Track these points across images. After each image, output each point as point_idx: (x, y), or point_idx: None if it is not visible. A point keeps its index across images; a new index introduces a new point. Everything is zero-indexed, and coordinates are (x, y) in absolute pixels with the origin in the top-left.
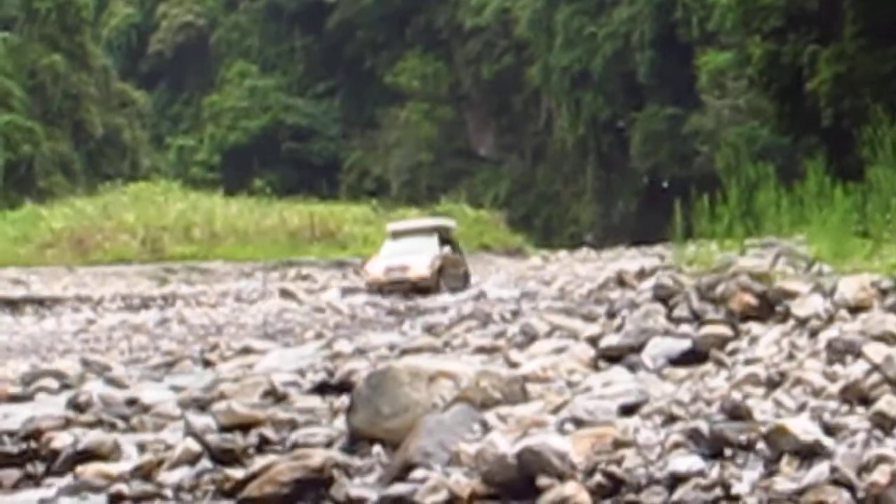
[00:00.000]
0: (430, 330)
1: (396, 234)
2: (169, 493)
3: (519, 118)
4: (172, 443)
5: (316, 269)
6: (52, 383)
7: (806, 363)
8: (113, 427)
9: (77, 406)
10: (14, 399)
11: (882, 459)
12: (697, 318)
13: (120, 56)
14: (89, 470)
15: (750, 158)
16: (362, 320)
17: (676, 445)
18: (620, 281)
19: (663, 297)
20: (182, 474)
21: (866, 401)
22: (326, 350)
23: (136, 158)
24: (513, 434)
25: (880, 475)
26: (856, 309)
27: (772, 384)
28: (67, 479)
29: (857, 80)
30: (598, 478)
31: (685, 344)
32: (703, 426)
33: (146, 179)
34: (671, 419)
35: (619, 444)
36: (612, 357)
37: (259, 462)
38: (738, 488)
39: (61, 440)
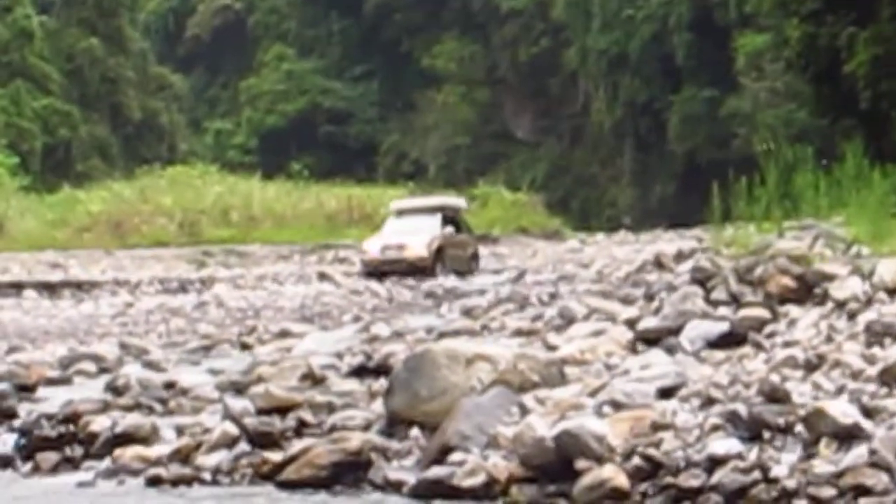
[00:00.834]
0: (467, 313)
1: (400, 213)
2: (207, 476)
3: (556, 101)
4: (210, 426)
5: (353, 253)
6: (91, 367)
7: (844, 346)
8: (151, 410)
9: (115, 389)
10: (52, 382)
11: None
12: (735, 301)
13: (157, 40)
14: (127, 453)
15: (787, 141)
16: (400, 303)
17: (715, 428)
18: (658, 263)
19: (701, 279)
20: (220, 457)
21: None
22: (364, 333)
23: (173, 142)
24: (551, 417)
25: None
26: (894, 291)
27: (810, 367)
28: (105, 463)
29: (895, 62)
30: (636, 460)
31: (723, 326)
32: (742, 409)
33: (184, 163)
34: (709, 402)
35: (657, 427)
36: (650, 340)
37: (297, 445)
38: (777, 471)
39: (99, 424)
